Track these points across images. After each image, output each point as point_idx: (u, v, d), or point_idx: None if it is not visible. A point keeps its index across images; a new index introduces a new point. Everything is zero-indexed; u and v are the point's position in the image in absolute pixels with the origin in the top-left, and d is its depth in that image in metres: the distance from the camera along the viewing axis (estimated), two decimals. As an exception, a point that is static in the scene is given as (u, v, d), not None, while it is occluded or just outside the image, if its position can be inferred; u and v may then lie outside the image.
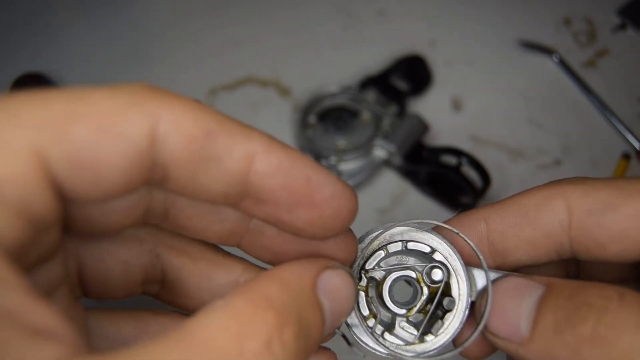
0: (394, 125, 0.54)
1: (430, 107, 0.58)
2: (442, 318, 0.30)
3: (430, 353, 0.30)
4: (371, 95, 0.57)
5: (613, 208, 0.28)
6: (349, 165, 0.53)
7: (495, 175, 0.51)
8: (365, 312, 0.30)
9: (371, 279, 0.30)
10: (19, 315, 0.18)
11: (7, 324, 0.17)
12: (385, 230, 0.30)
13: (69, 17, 0.64)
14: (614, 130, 0.56)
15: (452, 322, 0.30)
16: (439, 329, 0.30)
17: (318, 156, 0.54)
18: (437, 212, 0.52)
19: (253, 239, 0.28)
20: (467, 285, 0.30)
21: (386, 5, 0.65)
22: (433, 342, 0.30)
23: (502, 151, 0.55)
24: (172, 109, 0.21)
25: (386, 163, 0.54)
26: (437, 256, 0.30)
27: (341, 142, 0.54)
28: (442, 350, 0.30)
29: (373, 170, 0.53)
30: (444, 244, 0.30)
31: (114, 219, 0.25)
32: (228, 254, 0.29)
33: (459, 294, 0.30)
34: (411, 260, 0.31)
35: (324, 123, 0.55)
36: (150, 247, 0.28)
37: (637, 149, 0.54)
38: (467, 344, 0.29)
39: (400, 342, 0.30)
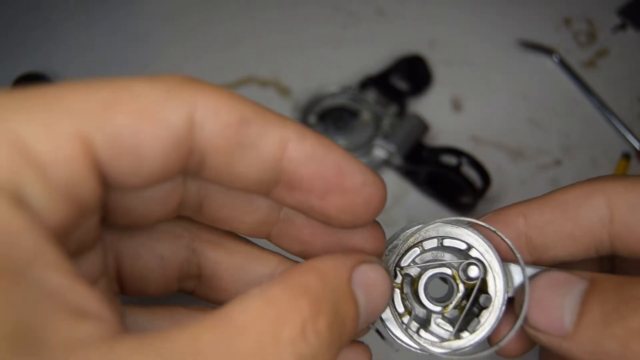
0: (394, 125, 0.54)
1: (430, 107, 0.58)
2: (478, 315, 0.30)
3: (465, 350, 0.30)
4: (371, 95, 0.57)
5: None
6: (349, 165, 0.53)
7: (495, 175, 0.51)
8: (401, 309, 0.30)
9: (406, 276, 0.30)
10: (62, 295, 0.18)
11: (50, 303, 0.18)
12: (422, 227, 0.30)
13: (68, 18, 0.64)
14: (614, 130, 0.56)
15: (489, 319, 0.30)
16: (475, 326, 0.30)
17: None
18: (437, 212, 0.52)
19: (283, 230, 0.28)
20: (503, 281, 0.30)
21: (386, 5, 0.65)
22: (468, 339, 0.30)
23: (502, 151, 0.55)
24: (208, 98, 0.22)
25: (386, 163, 0.54)
26: (473, 253, 0.30)
27: (341, 142, 0.54)
28: (477, 347, 0.30)
29: (373, 170, 0.53)
30: (480, 241, 0.30)
31: (150, 209, 0.25)
32: (262, 248, 0.30)
33: (496, 291, 0.30)
34: (447, 257, 0.31)
35: (324, 123, 0.55)
36: (186, 242, 0.29)
37: (637, 149, 0.54)
38: (503, 343, 0.29)
39: (436, 339, 0.30)
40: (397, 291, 0.30)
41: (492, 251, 0.30)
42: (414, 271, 0.31)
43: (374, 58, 0.60)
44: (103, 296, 0.20)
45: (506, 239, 0.30)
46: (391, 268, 0.30)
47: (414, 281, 0.31)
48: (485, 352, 0.30)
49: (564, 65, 0.59)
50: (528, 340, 0.31)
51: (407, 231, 0.31)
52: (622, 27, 0.62)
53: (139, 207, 0.25)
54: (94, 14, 0.64)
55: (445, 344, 0.30)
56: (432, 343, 0.30)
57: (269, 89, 0.60)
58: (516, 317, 0.29)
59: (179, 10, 0.65)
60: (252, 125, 0.23)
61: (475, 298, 0.30)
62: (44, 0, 0.64)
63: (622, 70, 0.59)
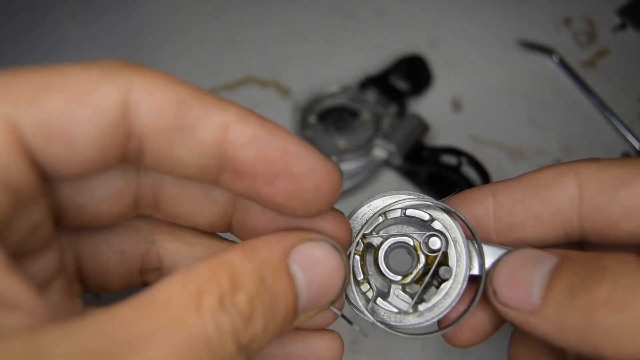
0: (394, 125, 0.54)
1: (430, 107, 0.58)
2: (437, 287, 0.30)
3: (422, 324, 0.29)
4: (371, 95, 0.57)
5: (627, 184, 0.27)
6: (349, 165, 0.53)
7: (495, 175, 0.51)
8: (360, 277, 0.30)
9: (369, 245, 0.30)
10: None
11: None
12: (384, 196, 0.30)
13: (66, 17, 0.64)
14: (614, 130, 0.56)
15: (449, 293, 0.29)
16: (433, 298, 0.29)
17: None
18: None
19: (240, 221, 0.27)
20: (466, 257, 0.29)
21: (386, 5, 0.65)
22: (426, 316, 0.29)
23: (502, 151, 0.55)
24: (143, 80, 0.22)
25: (386, 163, 0.54)
26: (436, 225, 0.30)
27: (341, 142, 0.54)
28: (433, 326, 0.30)
29: (373, 170, 0.53)
30: (445, 215, 0.30)
31: (104, 206, 0.25)
32: (224, 239, 0.29)
33: (457, 266, 0.29)
34: (410, 229, 0.31)
35: (324, 123, 0.55)
36: (145, 234, 0.28)
37: (637, 149, 0.54)
38: (455, 325, 0.29)
39: (394, 310, 0.30)
40: (358, 258, 0.30)
41: (456, 226, 0.30)
42: (376, 240, 0.30)
43: (374, 58, 0.60)
44: (33, 287, 0.20)
45: (463, 217, 0.29)
46: (355, 239, 0.30)
47: (375, 250, 0.30)
48: (437, 333, 0.29)
49: (564, 65, 0.59)
50: (480, 331, 0.30)
51: (371, 201, 0.30)
52: (622, 27, 0.62)
53: (92, 204, 0.24)
54: (91, 13, 0.64)
55: (402, 317, 0.30)
56: (389, 314, 0.30)
57: (269, 89, 0.60)
58: (472, 299, 0.28)
59: (178, 10, 0.65)
60: (190, 108, 0.22)
61: (436, 270, 0.30)
62: (47, 4, 0.64)
63: (622, 70, 0.59)
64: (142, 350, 0.18)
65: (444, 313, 0.29)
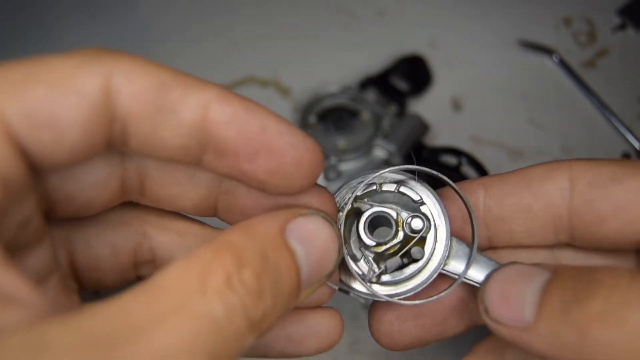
0: (394, 125, 0.54)
1: (430, 107, 0.58)
2: (405, 266, 0.30)
3: (379, 297, 0.30)
4: (371, 95, 0.57)
5: (618, 181, 0.27)
6: (349, 165, 0.53)
7: (495, 175, 0.51)
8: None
9: (357, 210, 0.31)
10: None
11: None
12: (385, 171, 0.31)
13: (69, 20, 0.64)
14: (614, 130, 0.56)
15: (416, 278, 0.30)
16: (398, 276, 0.30)
17: (318, 156, 0.54)
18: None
19: (226, 203, 0.28)
20: (444, 250, 0.30)
21: (386, 5, 0.65)
22: (383, 289, 0.30)
23: (502, 151, 0.55)
24: (124, 65, 0.22)
25: (386, 163, 0.54)
26: (424, 208, 0.30)
27: (341, 142, 0.54)
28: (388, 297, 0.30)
29: (373, 170, 0.53)
30: (437, 204, 0.30)
31: (92, 194, 0.25)
32: (214, 228, 0.30)
33: (431, 254, 0.30)
34: (399, 206, 0.31)
35: (324, 123, 0.55)
36: (135, 228, 0.28)
37: (637, 149, 0.54)
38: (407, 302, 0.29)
39: (359, 272, 0.30)
40: (343, 218, 0.30)
41: (445, 220, 0.30)
42: (363, 207, 0.31)
43: (374, 58, 0.60)
44: (32, 281, 0.20)
45: (460, 192, 0.29)
46: (346, 202, 0.30)
47: (360, 214, 0.31)
48: (395, 300, 0.29)
49: (564, 65, 0.59)
50: (408, 336, 0.31)
51: (369, 175, 0.31)
52: (622, 27, 0.62)
53: (80, 192, 0.25)
54: (91, 14, 0.64)
55: (364, 283, 0.30)
56: (351, 278, 0.30)
57: (269, 89, 0.60)
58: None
59: (178, 10, 0.65)
60: (170, 90, 0.23)
61: (409, 249, 0.30)
62: (48, 5, 0.64)
63: (622, 70, 0.59)
64: (149, 335, 0.18)
65: (407, 294, 0.30)
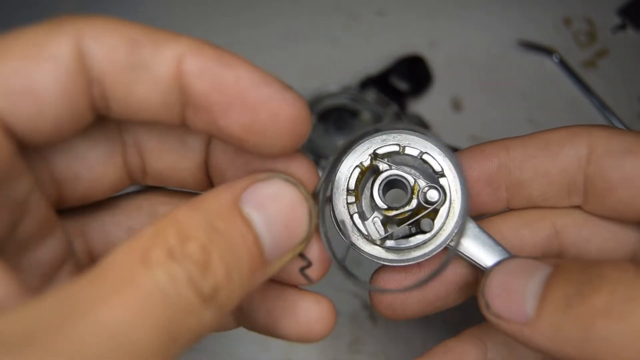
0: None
1: (430, 107, 0.58)
2: (412, 235, 0.30)
3: (379, 259, 0.29)
4: (371, 95, 0.57)
5: (633, 153, 0.28)
6: (349, 165, 0.53)
7: (495, 175, 0.51)
8: (352, 187, 0.30)
9: (375, 169, 0.30)
10: None
11: None
12: (416, 134, 0.30)
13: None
14: (614, 130, 0.56)
15: (420, 248, 0.29)
16: (402, 242, 0.29)
17: (318, 156, 0.54)
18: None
19: (217, 170, 0.27)
20: (454, 225, 0.29)
21: (386, 5, 0.65)
22: (387, 253, 0.29)
23: (502, 151, 0.55)
24: (92, 26, 0.22)
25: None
26: (442, 181, 0.30)
27: (341, 142, 0.54)
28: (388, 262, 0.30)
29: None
30: (456, 177, 0.29)
31: (98, 172, 0.25)
32: None
33: (440, 229, 0.29)
34: (419, 171, 0.30)
35: (324, 123, 0.55)
36: (147, 209, 0.28)
37: (637, 149, 0.54)
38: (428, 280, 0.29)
39: (364, 232, 0.29)
40: (358, 170, 0.29)
41: (462, 195, 0.29)
42: (382, 166, 0.30)
43: (374, 58, 0.60)
44: (6, 266, 0.20)
45: (438, 141, 0.29)
46: (366, 156, 0.29)
47: (376, 174, 0.30)
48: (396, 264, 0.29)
49: (564, 65, 0.59)
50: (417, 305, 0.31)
51: (393, 127, 0.30)
52: (622, 27, 0.62)
53: (86, 171, 0.25)
54: (94, 12, 0.64)
55: (366, 242, 0.29)
56: (357, 235, 0.29)
57: (269, 89, 0.60)
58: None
59: (177, 10, 0.65)
60: (141, 46, 0.22)
61: (419, 219, 0.29)
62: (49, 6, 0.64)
63: (622, 70, 0.59)
64: (94, 312, 0.18)
65: (408, 262, 0.29)
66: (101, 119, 0.24)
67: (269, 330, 0.28)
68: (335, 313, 0.28)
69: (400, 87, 0.58)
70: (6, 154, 0.21)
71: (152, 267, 0.19)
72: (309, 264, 0.26)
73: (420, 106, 0.58)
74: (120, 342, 0.18)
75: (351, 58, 0.60)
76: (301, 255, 0.26)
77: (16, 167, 0.22)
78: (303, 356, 0.48)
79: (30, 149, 0.23)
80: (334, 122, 0.55)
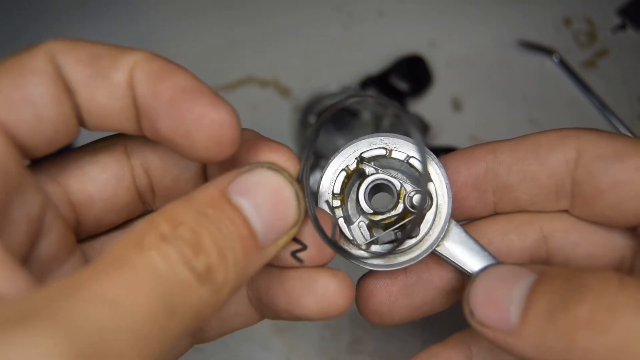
0: (394, 125, 0.54)
1: (430, 107, 0.58)
2: (395, 241, 0.30)
3: (364, 262, 0.29)
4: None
5: (621, 157, 0.27)
6: (349, 165, 0.53)
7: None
8: (337, 190, 0.30)
9: (361, 172, 0.30)
10: None
11: None
12: (398, 137, 0.30)
13: (69, 20, 0.64)
14: (614, 130, 0.56)
15: (406, 254, 0.29)
16: (387, 247, 0.29)
17: (318, 156, 0.54)
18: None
19: (213, 176, 0.28)
20: (439, 231, 0.29)
21: (386, 5, 0.65)
22: (371, 259, 0.29)
23: (502, 151, 0.55)
24: (62, 45, 0.24)
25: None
26: (429, 185, 0.30)
27: (341, 142, 0.54)
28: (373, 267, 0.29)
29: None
30: (443, 182, 0.29)
31: (109, 191, 0.27)
32: None
33: (427, 234, 0.29)
34: (405, 177, 0.30)
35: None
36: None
37: (637, 149, 0.54)
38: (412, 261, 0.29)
39: (349, 237, 0.29)
40: (344, 174, 0.30)
41: (448, 200, 0.29)
42: (369, 169, 0.30)
43: (374, 58, 0.60)
44: (11, 257, 0.21)
45: (415, 133, 0.28)
46: (352, 158, 0.30)
47: (362, 178, 0.30)
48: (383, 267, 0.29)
49: (564, 65, 0.59)
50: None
51: (381, 136, 0.30)
52: (622, 27, 0.62)
53: (99, 192, 0.27)
54: (91, 13, 0.64)
55: (351, 246, 0.29)
56: (342, 239, 0.29)
57: (269, 89, 0.60)
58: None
59: (179, 11, 0.65)
60: (101, 59, 0.24)
61: (405, 224, 0.29)
62: (50, 6, 0.64)
63: (622, 70, 0.59)
64: (87, 287, 0.19)
65: (394, 268, 0.29)
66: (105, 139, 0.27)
67: (291, 312, 0.28)
68: (353, 284, 0.28)
69: (400, 87, 0.58)
70: (14, 164, 0.23)
71: (145, 250, 0.20)
72: (304, 247, 0.27)
73: (421, 106, 0.58)
74: (117, 312, 0.18)
75: (351, 58, 0.60)
76: (296, 240, 0.26)
77: (26, 179, 0.24)
78: (303, 356, 0.48)
79: (34, 158, 0.25)
80: (334, 122, 0.55)
